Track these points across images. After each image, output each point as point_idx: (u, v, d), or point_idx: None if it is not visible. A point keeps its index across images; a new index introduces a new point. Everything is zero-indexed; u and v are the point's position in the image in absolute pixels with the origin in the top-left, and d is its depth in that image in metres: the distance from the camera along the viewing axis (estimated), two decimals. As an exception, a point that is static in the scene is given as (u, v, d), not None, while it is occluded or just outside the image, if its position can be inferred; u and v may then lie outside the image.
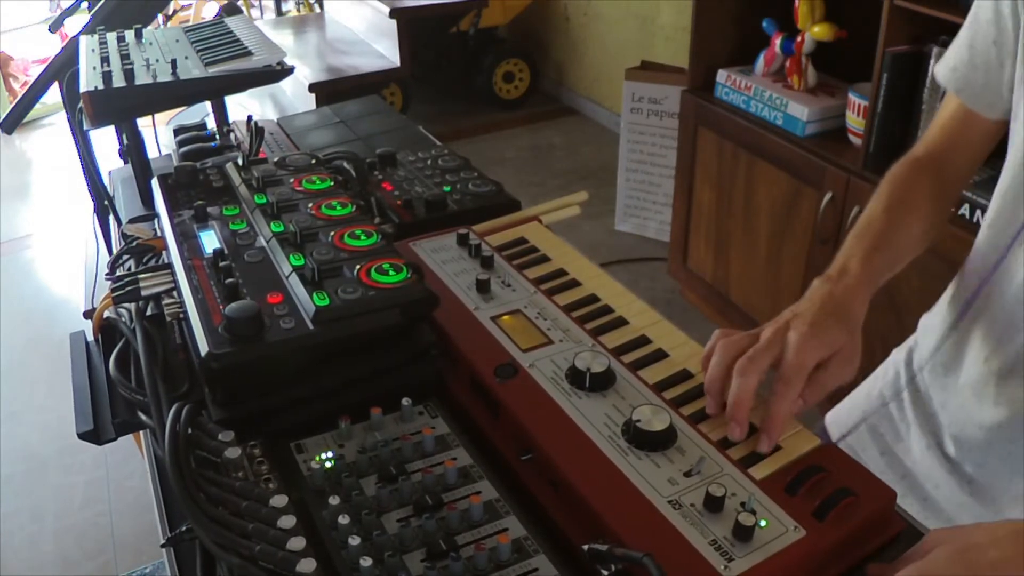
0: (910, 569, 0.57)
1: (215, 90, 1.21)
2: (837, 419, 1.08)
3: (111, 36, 1.28)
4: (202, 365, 0.68)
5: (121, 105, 1.10)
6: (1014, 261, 0.81)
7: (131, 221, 1.16)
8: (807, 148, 2.13)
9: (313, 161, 1.01)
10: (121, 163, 1.37)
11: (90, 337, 0.92)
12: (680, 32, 3.45)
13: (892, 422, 1.00)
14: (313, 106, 2.88)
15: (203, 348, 0.68)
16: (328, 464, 0.66)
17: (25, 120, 3.39)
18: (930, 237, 0.89)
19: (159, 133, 1.66)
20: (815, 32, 2.19)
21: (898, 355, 1.03)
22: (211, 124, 1.36)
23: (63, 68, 1.52)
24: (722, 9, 2.42)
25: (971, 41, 0.86)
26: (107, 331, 0.90)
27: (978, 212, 1.68)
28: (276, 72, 1.16)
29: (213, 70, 1.14)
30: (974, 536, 0.59)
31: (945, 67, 0.90)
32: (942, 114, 0.92)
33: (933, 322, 0.96)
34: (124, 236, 1.06)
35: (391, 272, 0.76)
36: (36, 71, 4.46)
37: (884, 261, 0.82)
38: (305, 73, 3.10)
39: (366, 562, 0.55)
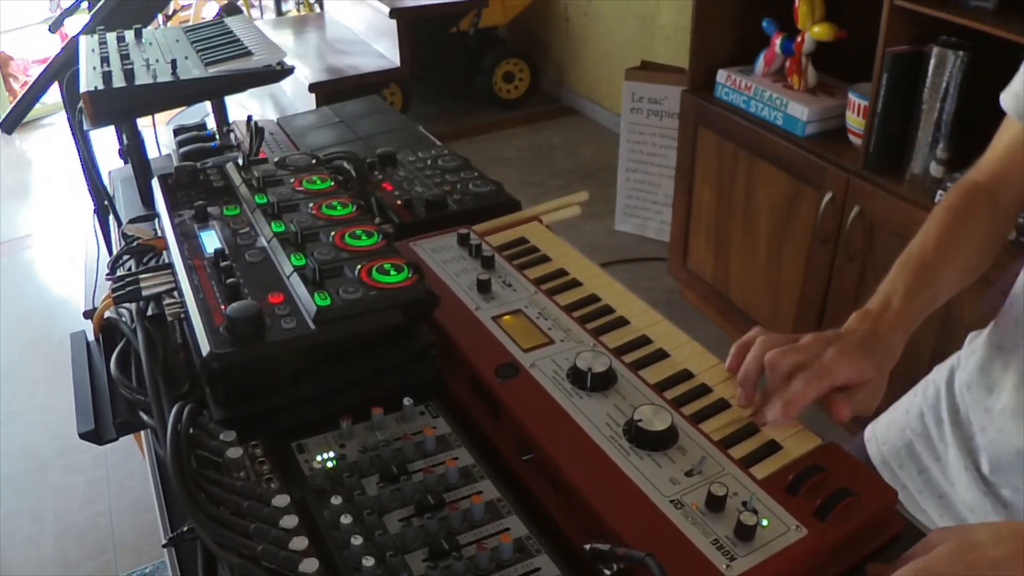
0: (911, 565, 0.57)
1: (215, 90, 1.21)
2: (875, 435, 1.07)
3: (111, 36, 1.28)
4: (203, 365, 0.68)
5: (121, 105, 1.10)
6: None
7: (131, 221, 1.16)
8: (807, 148, 2.13)
9: (313, 161, 1.01)
10: (121, 163, 1.37)
11: (91, 337, 0.92)
12: (680, 32, 3.45)
13: (930, 441, 0.99)
14: (313, 106, 2.88)
15: (204, 348, 0.68)
16: (330, 464, 0.66)
17: (25, 120, 3.39)
18: (981, 268, 0.89)
19: (159, 133, 1.66)
20: (815, 32, 2.19)
21: (939, 373, 1.01)
22: (211, 124, 1.36)
23: (63, 68, 1.52)
24: (722, 9, 2.42)
25: None
26: (108, 331, 0.90)
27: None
28: (276, 72, 1.16)
29: (213, 70, 1.14)
30: (977, 534, 0.59)
31: (1009, 93, 0.89)
32: (1002, 139, 0.91)
33: (978, 343, 0.95)
34: (124, 236, 1.06)
35: (392, 272, 0.76)
36: (36, 71, 4.46)
37: (928, 298, 0.82)
38: (305, 73, 3.10)
39: (368, 562, 0.55)
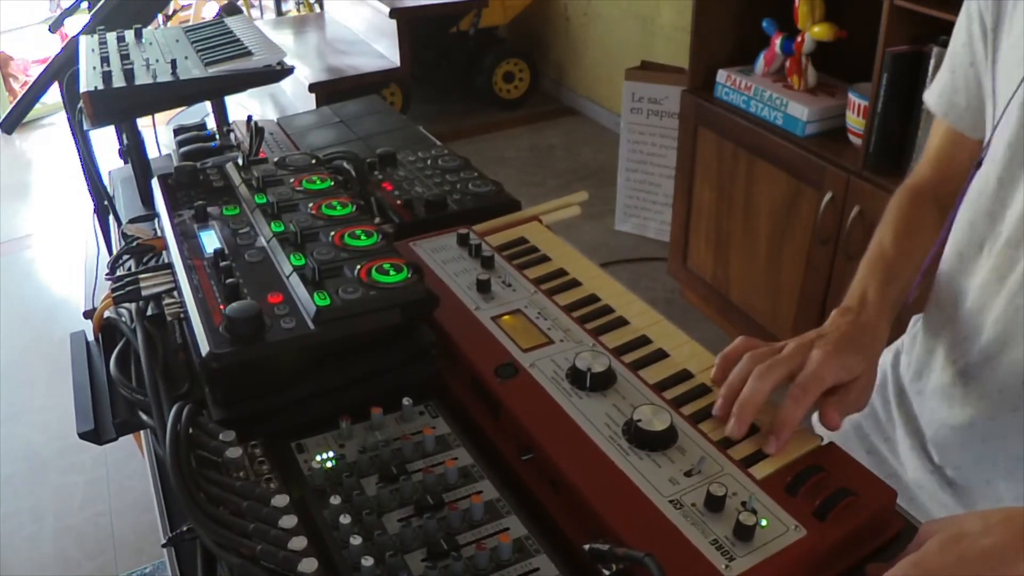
0: (903, 563, 0.57)
1: (215, 90, 1.21)
2: None
3: (111, 36, 1.28)
4: (203, 365, 0.68)
5: (121, 105, 1.10)
6: (976, 266, 0.84)
7: (131, 221, 1.16)
8: (807, 148, 2.13)
9: (313, 161, 1.01)
10: (121, 163, 1.37)
11: (90, 337, 0.92)
12: (680, 32, 3.45)
13: (879, 422, 1.01)
14: (313, 106, 2.88)
15: (204, 348, 0.68)
16: (329, 464, 0.66)
17: (25, 120, 3.39)
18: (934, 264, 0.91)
19: (159, 133, 1.66)
20: (815, 32, 2.19)
21: (885, 356, 1.03)
22: (211, 124, 1.36)
23: (63, 68, 1.51)
24: (722, 9, 2.42)
25: (952, 66, 0.90)
26: (107, 331, 0.90)
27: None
28: (276, 72, 1.16)
29: (213, 70, 1.14)
30: (966, 524, 0.58)
31: (932, 93, 0.94)
32: (932, 141, 0.95)
33: (918, 327, 0.98)
34: (124, 236, 1.06)
35: (391, 272, 0.76)
36: (36, 71, 4.46)
37: (897, 290, 0.84)
38: (305, 73, 3.10)
39: (367, 562, 0.55)
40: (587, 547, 0.57)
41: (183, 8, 4.82)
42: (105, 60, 1.16)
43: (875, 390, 1.00)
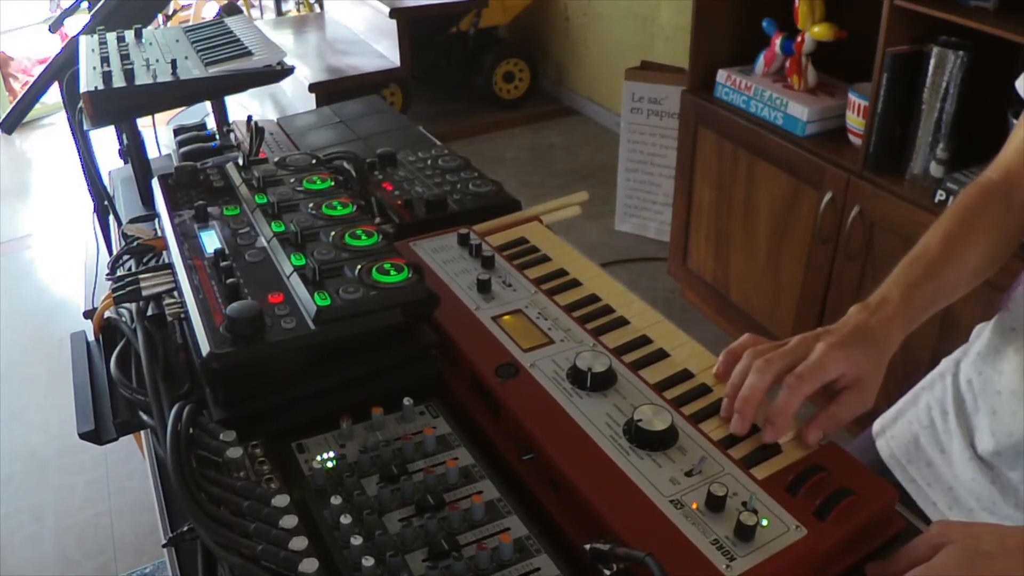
0: (919, 570, 0.57)
1: (215, 90, 1.21)
2: (883, 429, 1.05)
3: (111, 36, 1.28)
4: (203, 365, 0.68)
5: (121, 105, 1.10)
6: None
7: (131, 221, 1.16)
8: (807, 148, 2.13)
9: (313, 161, 1.01)
10: (121, 163, 1.37)
11: (91, 337, 0.92)
12: (680, 32, 3.45)
13: (936, 434, 0.98)
14: (313, 106, 2.89)
15: (204, 348, 0.68)
16: (330, 464, 0.66)
17: (25, 120, 3.39)
18: (991, 268, 0.87)
19: (159, 133, 1.66)
20: (815, 32, 2.19)
21: (945, 366, 1.01)
22: (211, 124, 1.36)
23: (63, 68, 1.52)
24: (722, 9, 2.42)
25: None
26: (108, 331, 0.90)
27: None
28: (276, 72, 1.17)
29: (213, 70, 1.14)
30: (983, 541, 0.58)
31: None
32: (1018, 133, 0.89)
33: (986, 331, 0.94)
34: (124, 236, 1.06)
35: (392, 272, 0.76)
36: (36, 71, 4.46)
37: (929, 296, 0.80)
38: (305, 73, 3.10)
39: (368, 562, 0.55)
40: (588, 547, 0.57)
41: (183, 8, 4.81)
42: (105, 60, 1.16)
43: (935, 401, 0.98)
